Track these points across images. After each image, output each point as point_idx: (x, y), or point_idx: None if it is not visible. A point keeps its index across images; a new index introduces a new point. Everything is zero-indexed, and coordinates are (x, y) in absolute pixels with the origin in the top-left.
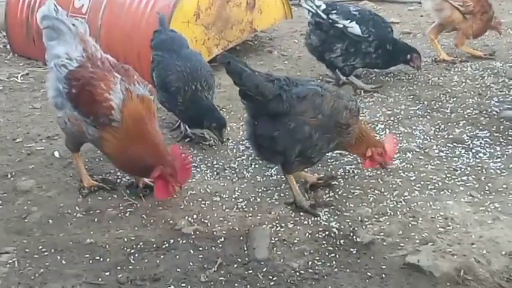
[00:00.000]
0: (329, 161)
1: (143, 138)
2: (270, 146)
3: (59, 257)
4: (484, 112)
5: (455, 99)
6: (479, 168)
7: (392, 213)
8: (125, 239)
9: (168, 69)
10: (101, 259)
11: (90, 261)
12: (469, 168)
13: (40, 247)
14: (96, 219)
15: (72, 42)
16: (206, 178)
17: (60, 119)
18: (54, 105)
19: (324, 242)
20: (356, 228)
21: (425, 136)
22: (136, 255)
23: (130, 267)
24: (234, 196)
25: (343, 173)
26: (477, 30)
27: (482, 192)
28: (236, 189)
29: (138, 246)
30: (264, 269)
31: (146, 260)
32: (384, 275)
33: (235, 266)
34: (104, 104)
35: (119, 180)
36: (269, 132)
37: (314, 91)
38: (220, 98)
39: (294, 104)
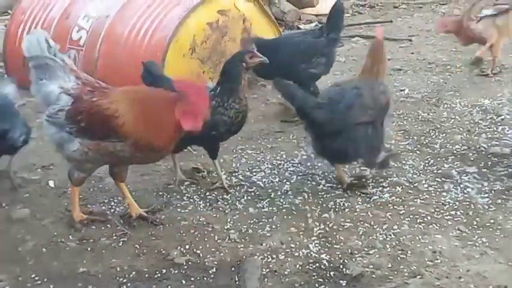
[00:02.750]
0: (320, 193)
1: (143, 100)
2: (344, 155)
3: (52, 286)
4: (473, 148)
5: (444, 135)
6: (467, 203)
7: (381, 246)
8: (118, 269)
9: None
10: None
11: None
12: (457, 203)
13: (33, 276)
14: (89, 249)
15: (64, 75)
16: (199, 209)
17: (75, 153)
18: (58, 141)
19: (314, 274)
20: (346, 261)
21: (414, 171)
22: (129, 284)
23: None
24: (226, 227)
25: (333, 206)
26: None
27: (470, 227)
28: (228, 220)
29: (131, 275)
30: None
31: None
32: None
33: None
34: (115, 115)
35: (112, 210)
36: (337, 147)
37: (354, 95)
38: None
39: (345, 118)
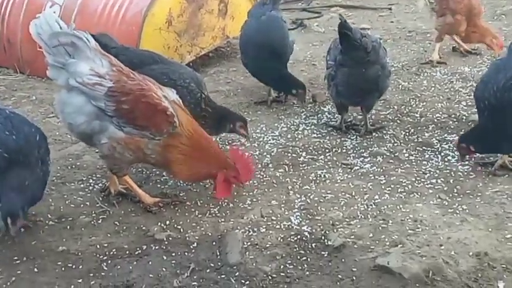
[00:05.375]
0: (300, 165)
1: (203, 144)
2: (372, 86)
3: (31, 265)
4: (453, 116)
5: (424, 103)
6: (447, 171)
7: (363, 216)
8: (98, 246)
9: (181, 77)
10: (74, 266)
11: (63, 269)
12: (437, 172)
13: (12, 255)
14: (68, 227)
15: (94, 58)
16: (179, 184)
17: (103, 146)
18: (89, 131)
19: (296, 246)
20: (327, 232)
21: (395, 140)
22: (109, 262)
23: (103, 274)
24: (206, 202)
25: (314, 178)
26: None
27: (450, 195)
28: (209, 194)
29: (111, 253)
30: (237, 273)
31: (119, 267)
32: (354, 277)
33: (208, 270)
34: (167, 113)
35: (91, 188)
36: (374, 75)
37: (380, 40)
38: None
39: (380, 50)
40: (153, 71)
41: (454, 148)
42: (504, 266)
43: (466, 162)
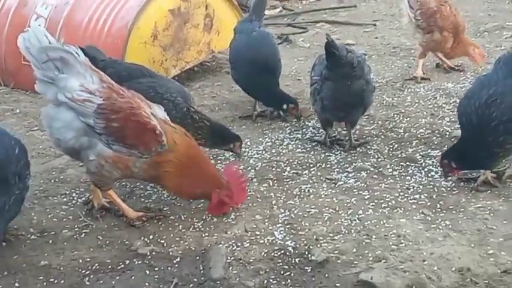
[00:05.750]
0: (285, 180)
1: (197, 163)
2: (356, 100)
3: (12, 280)
4: (436, 132)
5: (408, 119)
6: (431, 186)
7: (346, 231)
8: (80, 261)
9: (168, 91)
10: (56, 281)
11: (45, 284)
12: (421, 187)
13: None
14: (50, 241)
15: (85, 73)
16: (163, 198)
17: (91, 163)
18: (78, 147)
19: (280, 261)
20: (311, 247)
21: (379, 155)
22: (92, 276)
23: None
24: (190, 216)
25: (298, 192)
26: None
27: (433, 210)
28: (193, 208)
29: (94, 267)
30: None
31: (101, 282)
32: None
33: (191, 285)
34: (156, 132)
35: (74, 201)
36: (359, 89)
37: (364, 57)
38: None
39: (364, 66)
40: (140, 84)
41: (438, 164)
42: (486, 281)
43: (449, 178)
